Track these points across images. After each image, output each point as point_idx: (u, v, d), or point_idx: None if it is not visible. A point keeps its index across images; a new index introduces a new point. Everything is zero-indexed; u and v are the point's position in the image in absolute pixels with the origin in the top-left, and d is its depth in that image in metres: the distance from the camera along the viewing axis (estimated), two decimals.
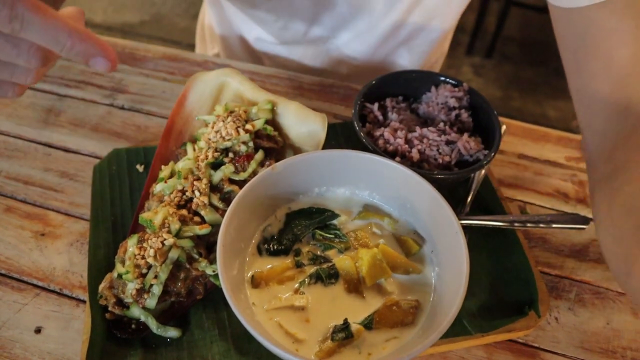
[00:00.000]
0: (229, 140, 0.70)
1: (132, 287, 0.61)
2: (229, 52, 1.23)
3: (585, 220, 0.73)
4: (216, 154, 0.69)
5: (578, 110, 0.73)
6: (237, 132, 0.70)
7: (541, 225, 0.73)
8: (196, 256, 0.64)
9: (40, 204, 0.77)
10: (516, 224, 0.73)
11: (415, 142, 0.74)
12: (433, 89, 0.83)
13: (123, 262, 0.63)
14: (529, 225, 0.73)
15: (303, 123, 0.74)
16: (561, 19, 0.72)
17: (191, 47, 1.42)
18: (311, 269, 0.64)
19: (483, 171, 0.80)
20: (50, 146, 0.85)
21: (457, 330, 0.64)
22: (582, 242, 0.79)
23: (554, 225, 0.73)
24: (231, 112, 0.72)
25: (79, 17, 0.51)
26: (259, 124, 0.72)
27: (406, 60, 1.11)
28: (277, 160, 0.68)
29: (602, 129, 0.69)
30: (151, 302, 0.61)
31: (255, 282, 0.62)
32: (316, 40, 1.07)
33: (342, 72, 1.13)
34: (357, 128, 0.74)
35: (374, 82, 0.81)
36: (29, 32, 0.44)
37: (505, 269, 0.72)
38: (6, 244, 0.72)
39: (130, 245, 0.63)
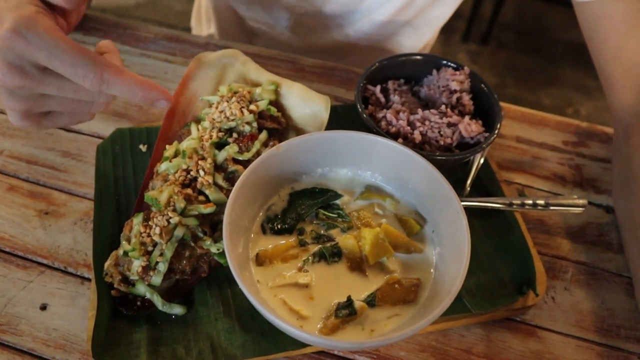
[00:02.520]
0: (233, 120, 0.70)
1: (137, 264, 0.62)
2: (224, 32, 1.22)
3: (582, 203, 0.74)
4: (220, 134, 0.70)
5: (603, 87, 0.85)
6: (241, 112, 0.70)
7: (539, 207, 0.75)
8: (201, 235, 0.65)
9: (44, 183, 0.77)
10: (514, 206, 0.75)
11: (417, 124, 0.75)
12: (434, 72, 0.83)
13: (129, 240, 0.63)
14: (527, 207, 0.75)
15: (306, 104, 0.74)
16: (577, 9, 0.84)
17: (187, 30, 1.41)
18: (315, 248, 0.65)
19: (483, 154, 0.81)
20: None
21: (457, 308, 0.66)
22: (579, 224, 0.81)
23: (552, 208, 0.75)
24: (235, 92, 0.73)
25: (115, 50, 0.61)
26: (262, 104, 0.72)
27: (406, 43, 1.12)
28: (280, 141, 0.69)
29: (619, 106, 0.81)
30: (157, 279, 0.62)
31: (260, 260, 0.63)
32: (321, 20, 1.07)
33: (340, 51, 1.14)
34: (360, 109, 0.74)
35: (376, 64, 0.82)
36: (112, 90, 0.55)
37: (504, 250, 0.73)
38: (10, 222, 0.73)
39: (136, 223, 0.63)
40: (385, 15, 1.04)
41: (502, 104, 0.91)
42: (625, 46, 0.79)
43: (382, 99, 0.80)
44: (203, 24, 1.32)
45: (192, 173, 0.67)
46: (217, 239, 0.65)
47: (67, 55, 0.51)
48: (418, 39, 1.13)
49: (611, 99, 0.83)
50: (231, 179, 0.68)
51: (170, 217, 0.62)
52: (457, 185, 0.79)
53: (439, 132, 0.75)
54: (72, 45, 0.52)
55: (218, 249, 0.64)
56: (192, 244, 0.64)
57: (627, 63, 0.79)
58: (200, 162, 0.67)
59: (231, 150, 0.68)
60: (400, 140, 0.73)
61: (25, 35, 0.50)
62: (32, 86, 0.54)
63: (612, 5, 0.78)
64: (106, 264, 0.64)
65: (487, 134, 0.76)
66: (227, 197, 0.61)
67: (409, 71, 0.85)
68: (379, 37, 1.10)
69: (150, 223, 0.63)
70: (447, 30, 1.25)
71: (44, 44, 0.51)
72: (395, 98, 0.79)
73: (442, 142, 0.74)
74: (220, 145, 0.70)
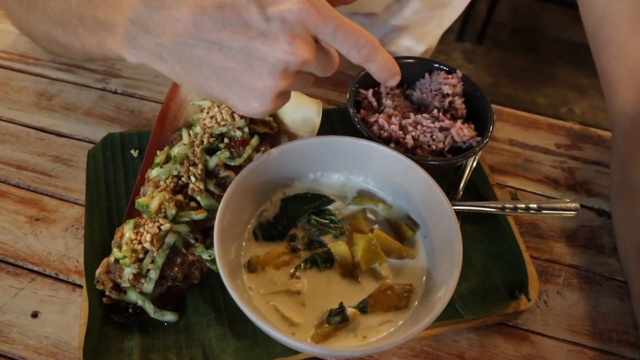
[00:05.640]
0: (224, 125, 0.70)
1: (129, 271, 0.62)
2: None
3: (575, 207, 0.74)
4: (212, 140, 0.69)
5: (603, 88, 0.84)
6: (233, 117, 0.70)
7: (531, 211, 0.75)
8: (192, 241, 0.64)
9: (34, 188, 0.77)
10: (507, 210, 0.75)
11: (410, 128, 0.75)
12: (427, 75, 0.83)
13: (120, 247, 0.63)
14: (519, 211, 0.75)
15: (298, 109, 0.74)
16: (582, 7, 0.83)
17: None
18: (307, 254, 0.65)
19: (476, 158, 0.81)
20: (43, 130, 0.84)
21: (449, 313, 0.65)
22: (571, 227, 0.81)
23: (544, 212, 0.75)
24: None
25: None
26: None
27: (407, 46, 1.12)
28: (272, 146, 0.69)
29: (620, 107, 0.80)
30: (148, 286, 0.62)
31: (252, 267, 0.63)
32: None
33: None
34: (352, 114, 0.74)
35: None
36: (374, 63, 0.53)
37: (497, 254, 0.73)
38: (1, 228, 0.72)
39: (127, 230, 0.63)
40: (387, 21, 1.04)
41: (494, 105, 0.91)
42: (630, 44, 0.77)
43: (375, 103, 0.80)
44: None
45: (183, 179, 0.67)
46: (208, 245, 0.65)
47: (350, 26, 0.49)
48: (420, 45, 1.13)
49: (611, 98, 0.82)
50: (223, 184, 0.68)
51: (162, 224, 0.62)
52: (450, 189, 0.79)
53: (431, 136, 0.75)
54: (347, 19, 0.50)
55: (210, 256, 0.64)
56: (184, 251, 0.64)
57: (631, 61, 0.78)
58: (191, 168, 0.67)
59: (222, 155, 0.68)
60: (392, 144, 0.73)
61: (318, 7, 0.48)
62: (313, 60, 0.50)
63: (619, 3, 0.77)
64: (97, 272, 0.64)
65: (479, 138, 0.76)
66: (219, 203, 0.61)
67: (402, 74, 0.84)
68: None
69: (141, 230, 0.63)
70: None
71: (333, 15, 0.48)
72: (387, 102, 0.79)
73: (434, 147, 0.74)
74: (211, 150, 0.69)
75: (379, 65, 0.53)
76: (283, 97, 0.54)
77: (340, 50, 0.52)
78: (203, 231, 0.67)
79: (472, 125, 0.78)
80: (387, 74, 0.55)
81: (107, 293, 0.63)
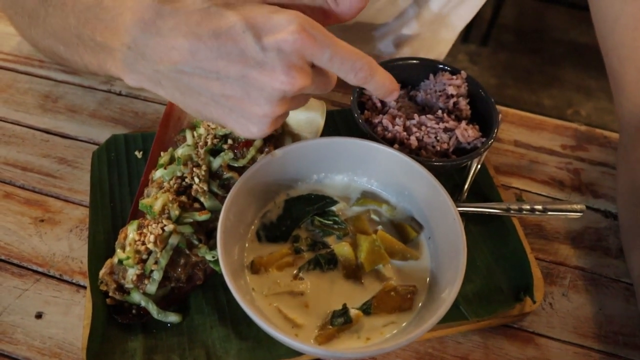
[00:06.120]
0: (222, 126, 0.70)
1: (132, 272, 0.62)
2: None
3: (580, 208, 0.74)
4: (215, 141, 0.70)
5: (612, 90, 0.83)
6: None
7: (537, 212, 0.74)
8: (196, 242, 0.64)
9: (39, 190, 0.77)
10: (512, 211, 0.74)
11: (414, 129, 0.75)
12: (431, 76, 0.83)
13: (123, 248, 0.63)
14: (524, 212, 0.74)
15: (302, 110, 0.74)
16: (593, 9, 0.82)
17: None
18: (310, 255, 0.64)
19: (480, 159, 0.81)
20: (48, 132, 0.85)
21: (453, 315, 0.65)
22: (577, 229, 0.80)
23: (549, 213, 0.74)
24: None
25: None
26: None
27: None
28: (275, 147, 0.69)
29: (629, 108, 0.79)
30: (151, 287, 0.62)
31: (255, 268, 0.63)
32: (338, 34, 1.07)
33: None
34: (356, 115, 0.74)
35: None
36: (371, 83, 0.53)
37: (501, 256, 0.73)
38: (6, 229, 0.72)
39: (131, 231, 0.63)
40: (400, 33, 1.04)
41: (499, 107, 0.90)
42: None
43: (379, 104, 0.79)
44: None
45: (187, 180, 0.67)
46: (212, 246, 0.65)
47: (346, 51, 0.50)
48: (433, 53, 1.13)
49: (620, 100, 0.81)
50: (226, 185, 0.68)
51: (165, 225, 0.62)
52: (454, 190, 0.78)
53: (436, 137, 0.75)
54: (344, 42, 0.50)
55: (213, 257, 0.63)
56: (187, 252, 0.64)
57: None
58: (195, 169, 0.67)
59: (226, 156, 0.68)
60: (396, 145, 0.73)
61: (313, 35, 0.48)
62: (309, 86, 0.51)
63: (632, 5, 0.77)
64: (101, 273, 0.64)
65: (484, 139, 0.75)
66: (222, 204, 0.61)
67: (406, 75, 0.85)
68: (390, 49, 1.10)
69: (144, 231, 0.63)
70: None
71: (329, 42, 0.48)
72: (391, 103, 0.79)
73: (438, 148, 0.74)
74: (215, 151, 0.69)
75: (376, 85, 0.54)
76: (282, 118, 0.55)
77: (337, 74, 0.52)
78: (206, 232, 0.67)
79: (477, 126, 0.78)
80: (384, 92, 0.56)
81: (110, 294, 0.63)
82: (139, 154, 0.80)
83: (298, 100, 0.55)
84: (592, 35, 0.84)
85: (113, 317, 0.63)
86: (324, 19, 0.54)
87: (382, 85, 0.54)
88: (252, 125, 0.53)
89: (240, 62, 0.48)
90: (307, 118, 0.74)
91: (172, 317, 0.63)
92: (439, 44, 1.12)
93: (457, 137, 0.75)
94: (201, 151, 0.68)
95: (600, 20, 0.82)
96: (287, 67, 0.48)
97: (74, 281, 0.69)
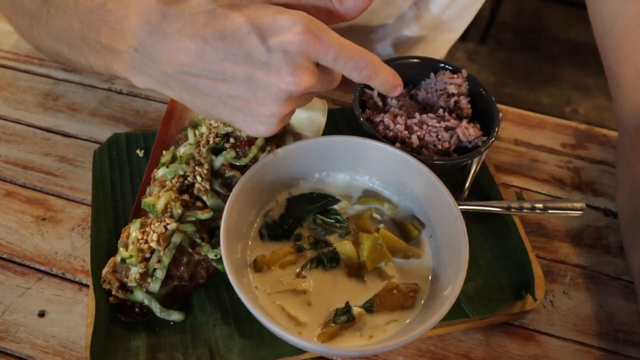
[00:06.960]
0: (229, 125, 0.70)
1: (135, 271, 0.62)
2: None
3: (580, 207, 0.74)
4: (217, 139, 0.70)
5: (611, 90, 0.83)
6: None
7: (537, 210, 0.74)
8: (198, 241, 0.65)
9: (41, 188, 0.77)
10: (513, 210, 0.75)
11: (415, 128, 0.75)
12: (432, 75, 0.83)
13: (126, 247, 0.63)
14: (525, 210, 0.74)
15: (303, 108, 0.74)
16: (591, 9, 0.83)
17: None
18: (312, 254, 0.65)
19: (481, 158, 0.81)
20: (48, 131, 0.85)
21: (455, 313, 0.65)
22: (577, 227, 0.80)
23: (550, 211, 0.75)
24: None
25: None
26: None
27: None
28: (277, 146, 0.69)
29: (628, 108, 0.80)
30: (154, 286, 0.62)
31: (258, 267, 0.63)
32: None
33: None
34: (357, 114, 0.74)
35: None
36: (375, 80, 0.54)
37: (502, 254, 0.73)
38: (7, 228, 0.72)
39: (133, 229, 0.63)
40: (401, 34, 1.04)
41: (500, 105, 0.90)
42: None
43: (380, 103, 0.80)
44: None
45: (189, 179, 0.67)
46: (214, 245, 0.65)
47: (350, 50, 0.50)
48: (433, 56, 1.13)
49: (619, 100, 0.82)
50: (228, 184, 0.68)
51: (168, 224, 0.62)
52: (455, 189, 0.79)
53: (437, 136, 0.75)
54: (348, 40, 0.51)
55: (216, 255, 0.64)
56: (190, 250, 0.64)
57: None
58: (197, 167, 0.67)
59: (228, 155, 0.68)
60: (397, 144, 0.73)
61: (318, 35, 0.48)
62: (315, 85, 0.52)
63: (630, 5, 0.77)
64: (104, 271, 0.64)
65: (485, 138, 0.76)
66: (225, 202, 0.61)
67: (407, 74, 0.84)
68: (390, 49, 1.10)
69: (147, 229, 0.63)
70: None
71: (333, 42, 0.49)
72: (392, 102, 0.79)
73: (439, 146, 0.74)
74: (217, 150, 0.69)
75: (381, 82, 0.55)
76: (288, 116, 0.56)
77: (342, 72, 0.53)
78: (209, 231, 0.67)
79: (478, 125, 0.78)
80: (388, 88, 0.56)
81: (113, 292, 0.63)
82: (140, 153, 0.80)
83: (304, 98, 0.55)
84: (590, 33, 0.84)
85: (116, 316, 0.63)
86: (328, 18, 0.55)
87: (386, 82, 0.55)
88: (259, 125, 0.54)
89: (246, 64, 0.49)
90: (308, 117, 0.74)
91: (175, 316, 0.64)
92: (438, 47, 1.12)
93: (458, 136, 0.75)
94: (203, 150, 0.68)
95: (598, 21, 0.82)
96: (293, 67, 0.49)
97: (76, 280, 0.69)
